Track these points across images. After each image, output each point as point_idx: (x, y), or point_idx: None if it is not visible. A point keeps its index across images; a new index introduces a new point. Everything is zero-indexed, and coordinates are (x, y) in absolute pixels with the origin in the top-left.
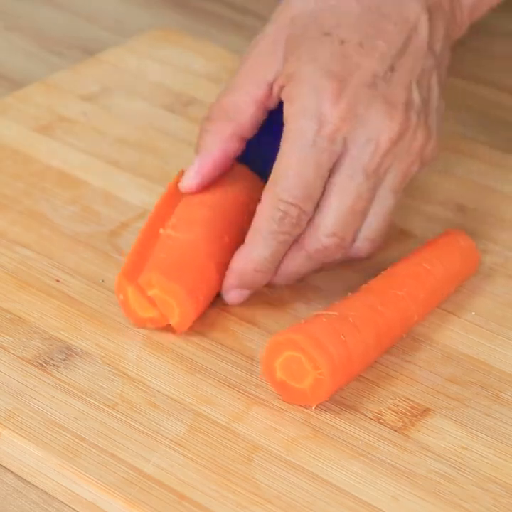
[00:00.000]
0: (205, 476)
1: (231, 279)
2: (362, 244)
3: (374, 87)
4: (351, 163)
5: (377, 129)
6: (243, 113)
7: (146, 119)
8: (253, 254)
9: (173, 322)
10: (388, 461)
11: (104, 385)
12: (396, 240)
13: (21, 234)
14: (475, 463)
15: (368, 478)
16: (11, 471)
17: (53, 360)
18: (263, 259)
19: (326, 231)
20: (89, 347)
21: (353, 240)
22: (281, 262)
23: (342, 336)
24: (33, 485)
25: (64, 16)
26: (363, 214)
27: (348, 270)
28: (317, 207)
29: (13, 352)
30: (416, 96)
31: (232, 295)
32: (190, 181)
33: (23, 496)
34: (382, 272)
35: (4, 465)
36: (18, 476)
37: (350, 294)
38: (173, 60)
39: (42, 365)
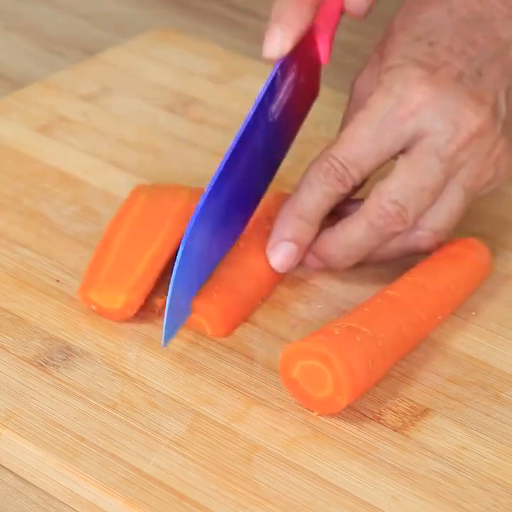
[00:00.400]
0: (205, 476)
1: (275, 227)
2: (425, 234)
3: (461, 82)
4: (426, 143)
5: (460, 119)
6: None
7: (146, 119)
8: (298, 200)
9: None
10: (388, 461)
11: (104, 385)
12: None
13: (21, 234)
14: (475, 463)
15: (368, 478)
16: (11, 471)
17: (53, 360)
18: (307, 205)
19: (389, 197)
20: (89, 347)
21: (415, 220)
22: (341, 230)
23: (370, 363)
24: (33, 485)
25: (64, 16)
26: (430, 196)
27: (347, 271)
28: (385, 177)
29: (13, 352)
30: (502, 106)
31: (277, 255)
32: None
33: (23, 496)
34: (406, 278)
35: (4, 465)
36: (18, 476)
37: (379, 300)
38: (173, 60)
39: (42, 365)
